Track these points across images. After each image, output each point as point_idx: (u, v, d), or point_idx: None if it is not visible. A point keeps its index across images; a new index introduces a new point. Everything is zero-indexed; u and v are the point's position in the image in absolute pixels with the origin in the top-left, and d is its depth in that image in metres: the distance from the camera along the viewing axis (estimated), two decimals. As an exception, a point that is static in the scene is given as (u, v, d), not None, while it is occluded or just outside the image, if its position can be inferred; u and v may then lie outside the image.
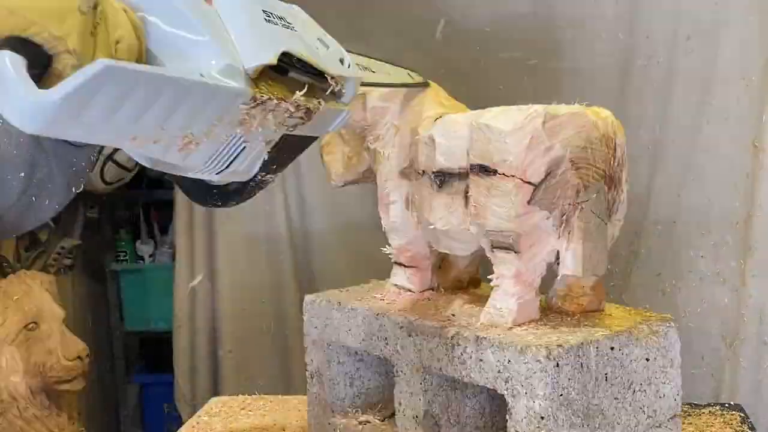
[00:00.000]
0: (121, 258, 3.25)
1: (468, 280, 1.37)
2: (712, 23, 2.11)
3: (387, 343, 1.24)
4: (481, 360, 1.10)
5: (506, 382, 1.07)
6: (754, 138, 2.06)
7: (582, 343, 1.08)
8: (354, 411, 1.37)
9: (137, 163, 1.26)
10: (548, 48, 2.34)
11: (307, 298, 1.40)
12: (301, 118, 0.97)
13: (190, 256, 2.79)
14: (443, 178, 1.21)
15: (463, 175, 1.17)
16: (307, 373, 1.41)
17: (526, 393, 1.05)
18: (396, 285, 1.37)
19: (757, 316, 2.05)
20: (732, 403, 1.61)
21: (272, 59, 0.91)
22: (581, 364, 1.07)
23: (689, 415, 1.51)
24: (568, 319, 1.18)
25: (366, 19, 2.47)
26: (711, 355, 2.15)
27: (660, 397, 1.17)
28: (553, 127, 1.10)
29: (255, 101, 0.89)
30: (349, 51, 1.10)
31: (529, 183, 1.10)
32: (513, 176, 1.10)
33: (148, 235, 3.34)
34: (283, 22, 0.98)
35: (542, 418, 1.04)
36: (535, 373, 1.04)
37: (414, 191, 1.28)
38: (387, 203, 1.32)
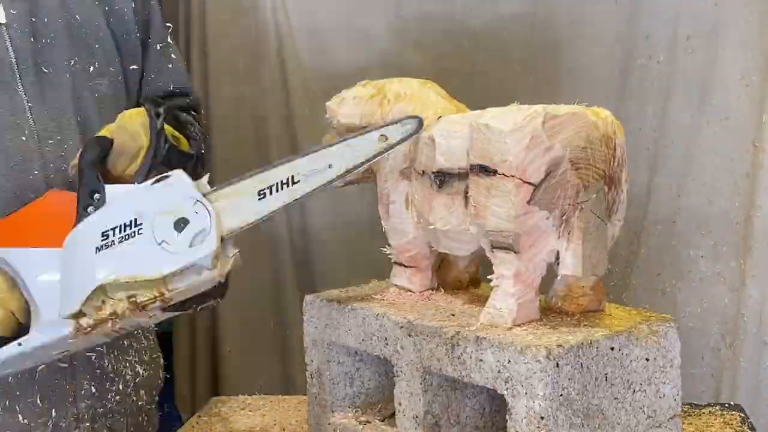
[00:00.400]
0: (121, 258, 3.25)
1: (468, 280, 1.37)
2: (712, 23, 2.11)
3: (387, 344, 1.24)
4: (480, 360, 1.10)
5: (506, 382, 1.08)
6: (754, 138, 2.06)
7: (582, 343, 1.08)
8: (354, 411, 1.37)
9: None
10: (548, 48, 2.34)
11: (307, 298, 1.40)
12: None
13: (190, 255, 2.79)
14: (443, 178, 1.21)
15: (463, 175, 1.17)
16: (307, 373, 1.41)
17: (526, 393, 1.05)
18: (396, 285, 1.37)
19: (757, 316, 2.05)
20: (732, 403, 1.61)
21: (75, 308, 1.14)
22: (581, 364, 1.07)
23: (689, 415, 1.51)
24: (568, 319, 1.18)
25: (366, 19, 2.47)
26: (711, 355, 2.15)
27: (660, 397, 1.17)
28: (553, 127, 1.10)
29: (77, 332, 1.16)
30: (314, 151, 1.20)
31: (529, 183, 1.10)
32: (513, 176, 1.10)
33: (148, 235, 3.34)
34: (121, 236, 1.15)
35: (542, 418, 1.04)
36: (535, 373, 1.04)
37: (414, 191, 1.28)
38: (387, 203, 1.33)
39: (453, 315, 1.22)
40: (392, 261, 1.37)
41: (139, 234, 1.14)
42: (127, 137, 1.28)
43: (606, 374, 1.10)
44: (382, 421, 1.34)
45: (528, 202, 1.10)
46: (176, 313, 1.22)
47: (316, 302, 1.38)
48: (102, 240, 1.15)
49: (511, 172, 1.10)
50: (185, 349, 2.80)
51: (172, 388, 2.88)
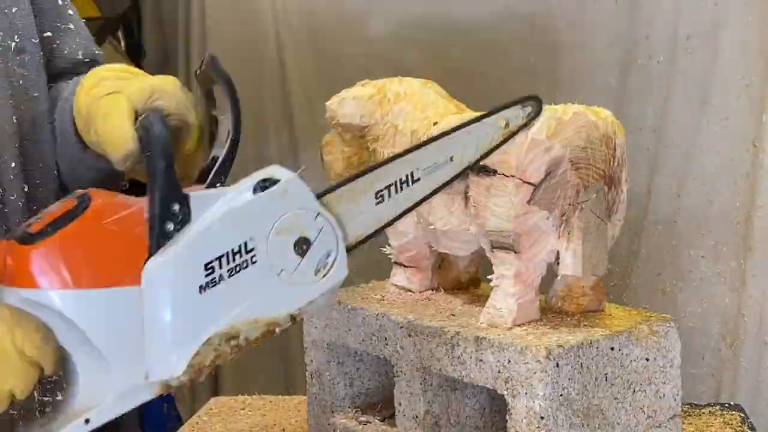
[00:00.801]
0: (122, 258, 3.25)
1: (468, 280, 1.37)
2: (713, 23, 2.11)
3: (387, 344, 1.24)
4: (481, 360, 1.10)
5: (506, 382, 1.07)
6: (754, 138, 2.06)
7: (582, 343, 1.08)
8: (354, 411, 1.37)
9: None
10: (548, 47, 2.34)
11: None
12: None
13: (190, 256, 2.79)
14: None
15: (462, 175, 1.17)
16: (307, 373, 1.40)
17: (526, 393, 1.05)
18: (396, 285, 1.37)
19: (758, 316, 2.05)
20: (732, 403, 1.61)
21: (179, 369, 0.86)
22: (581, 364, 1.07)
23: (689, 415, 1.51)
24: (568, 319, 1.18)
25: (366, 19, 2.48)
26: (711, 355, 2.15)
27: (660, 398, 1.16)
28: (553, 127, 1.10)
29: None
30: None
31: (529, 183, 1.10)
32: (513, 176, 1.10)
33: (148, 235, 3.34)
34: (230, 268, 0.87)
35: (542, 418, 1.04)
36: (535, 373, 1.04)
37: None
38: None
39: (453, 315, 1.22)
40: (392, 261, 1.37)
41: (252, 263, 0.88)
42: (182, 108, 0.97)
43: (606, 374, 1.10)
44: (382, 421, 1.33)
45: (528, 202, 1.10)
46: None
47: None
48: (206, 275, 0.85)
49: (510, 172, 1.10)
50: (185, 349, 2.80)
51: (172, 388, 2.88)
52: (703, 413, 1.52)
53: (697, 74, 2.14)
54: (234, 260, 0.87)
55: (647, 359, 1.14)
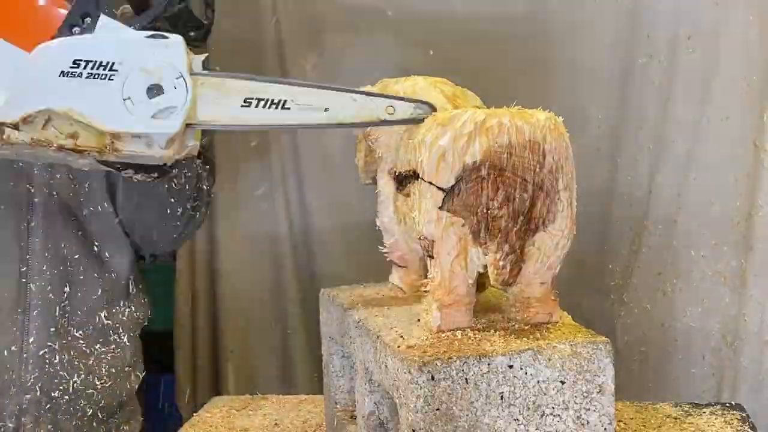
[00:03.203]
0: (122, 258, 3.24)
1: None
2: (713, 23, 2.11)
3: (351, 342, 1.26)
4: (386, 365, 1.10)
5: (396, 390, 1.07)
6: (754, 138, 2.06)
7: (469, 358, 1.04)
8: (353, 404, 1.37)
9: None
10: (548, 47, 2.34)
11: (323, 291, 1.42)
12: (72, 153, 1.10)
13: (191, 255, 2.79)
14: (402, 179, 1.23)
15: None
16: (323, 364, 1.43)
17: (405, 404, 1.04)
18: (392, 283, 1.37)
19: (758, 316, 2.05)
20: (733, 402, 1.61)
21: (13, 118, 1.07)
22: (466, 379, 1.03)
23: (690, 415, 1.51)
24: (502, 330, 1.13)
25: (367, 19, 2.47)
26: (712, 355, 2.15)
27: (583, 425, 1.09)
28: (470, 132, 1.08)
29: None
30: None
31: (441, 189, 1.08)
32: (429, 182, 1.09)
33: (148, 235, 3.34)
34: (91, 72, 1.07)
35: (413, 431, 1.02)
36: (410, 384, 1.02)
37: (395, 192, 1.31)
38: (380, 202, 1.34)
39: (419, 320, 1.18)
40: (388, 259, 1.38)
41: (110, 79, 1.07)
42: None
43: (502, 393, 1.05)
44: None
45: (440, 208, 1.09)
46: (106, 169, 1.17)
47: (327, 298, 1.40)
48: (71, 67, 1.06)
49: (427, 177, 1.09)
50: (186, 348, 2.80)
51: (172, 387, 2.88)
52: (704, 413, 1.52)
53: (697, 74, 2.14)
54: (96, 69, 1.06)
55: (562, 382, 1.07)
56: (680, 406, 1.56)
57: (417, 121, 1.17)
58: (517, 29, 2.36)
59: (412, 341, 1.10)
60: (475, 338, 1.10)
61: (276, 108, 1.10)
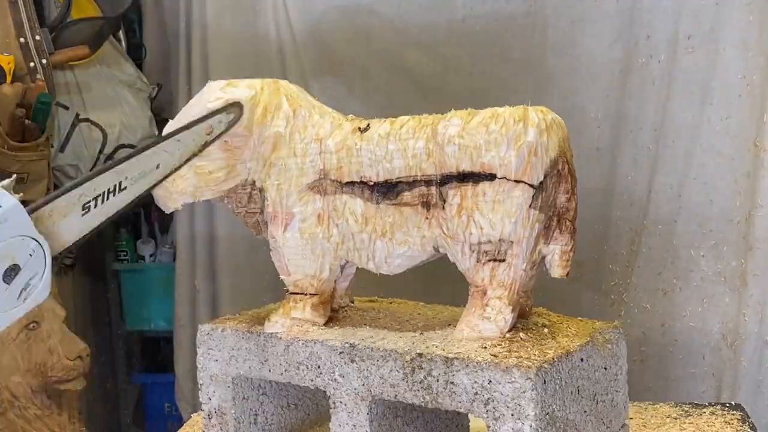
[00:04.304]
0: (122, 257, 3.25)
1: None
2: (713, 23, 2.11)
3: (320, 373, 1.14)
4: (452, 383, 1.03)
5: (485, 404, 1.00)
6: (755, 137, 2.06)
7: (560, 357, 1.03)
8: None
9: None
10: (548, 48, 2.34)
11: (204, 328, 1.29)
12: None
13: (191, 255, 2.79)
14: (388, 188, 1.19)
15: (416, 183, 1.17)
16: (203, 412, 1.29)
17: (512, 414, 0.98)
18: (295, 318, 1.25)
19: (758, 316, 2.05)
20: (733, 402, 1.61)
21: None
22: (561, 378, 1.02)
23: (690, 415, 1.51)
24: (528, 330, 1.12)
25: (367, 19, 2.47)
26: (712, 355, 2.15)
27: (614, 407, 1.12)
28: (547, 127, 1.10)
29: None
30: None
31: (531, 186, 1.10)
32: (517, 180, 1.11)
33: (148, 235, 3.34)
34: None
35: None
36: (524, 392, 0.98)
37: (334, 206, 1.21)
38: (287, 223, 1.24)
39: (419, 332, 1.15)
40: (288, 291, 1.27)
41: None
42: None
43: (578, 387, 1.05)
44: None
45: (530, 206, 1.08)
46: None
47: (217, 332, 1.27)
48: None
49: (515, 175, 1.09)
50: (186, 348, 2.80)
51: (172, 387, 2.88)
52: (704, 413, 1.52)
53: (697, 74, 2.14)
54: None
55: (605, 368, 1.10)
56: (680, 406, 1.56)
57: (236, 123, 1.16)
58: (517, 29, 2.36)
59: (495, 350, 1.04)
60: (530, 338, 1.09)
61: (114, 194, 1.06)
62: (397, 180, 1.16)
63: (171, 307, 2.86)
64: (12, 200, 0.96)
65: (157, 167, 1.10)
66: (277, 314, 1.25)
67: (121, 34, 2.81)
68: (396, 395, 1.08)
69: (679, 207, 2.18)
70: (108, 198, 1.05)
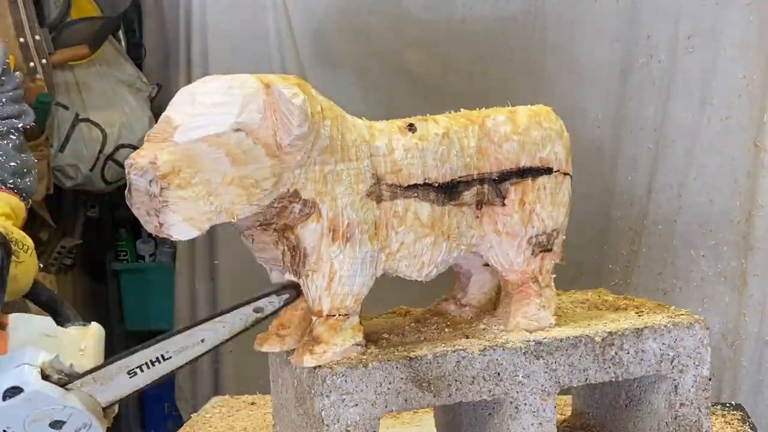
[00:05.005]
0: (122, 257, 3.24)
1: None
2: (713, 23, 2.11)
3: (500, 380, 1.12)
4: (642, 350, 1.18)
5: (672, 361, 1.20)
6: (755, 137, 2.06)
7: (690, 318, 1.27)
8: None
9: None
10: (548, 48, 2.34)
11: (338, 369, 1.09)
12: None
13: (191, 255, 2.79)
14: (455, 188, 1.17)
15: (471, 183, 1.21)
16: None
17: (695, 364, 1.24)
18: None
19: (758, 316, 2.05)
20: (733, 402, 1.61)
21: None
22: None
23: (690, 415, 1.51)
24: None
25: (366, 19, 2.47)
26: (712, 355, 2.14)
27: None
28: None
29: None
30: None
31: (570, 176, 1.24)
32: (566, 173, 1.23)
33: (148, 235, 3.34)
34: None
35: (709, 379, 1.26)
36: (704, 342, 1.26)
37: (393, 212, 1.12)
38: (347, 235, 1.10)
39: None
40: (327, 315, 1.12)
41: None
42: None
43: None
44: None
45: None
46: None
47: (358, 370, 1.08)
48: None
49: (564, 168, 1.21)
50: (186, 348, 2.80)
51: (172, 387, 2.88)
52: (704, 413, 1.52)
53: (697, 74, 2.14)
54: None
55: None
56: (680, 406, 1.55)
57: (288, 305, 1.19)
58: (517, 29, 2.36)
59: (647, 318, 1.25)
60: (649, 309, 1.33)
61: (159, 363, 1.12)
62: (459, 179, 1.15)
63: (171, 307, 2.86)
64: (35, 384, 1.06)
65: (202, 341, 1.14)
66: (320, 346, 1.13)
67: (120, 33, 2.81)
68: (587, 378, 1.16)
69: (679, 207, 2.18)
70: (153, 366, 1.12)
